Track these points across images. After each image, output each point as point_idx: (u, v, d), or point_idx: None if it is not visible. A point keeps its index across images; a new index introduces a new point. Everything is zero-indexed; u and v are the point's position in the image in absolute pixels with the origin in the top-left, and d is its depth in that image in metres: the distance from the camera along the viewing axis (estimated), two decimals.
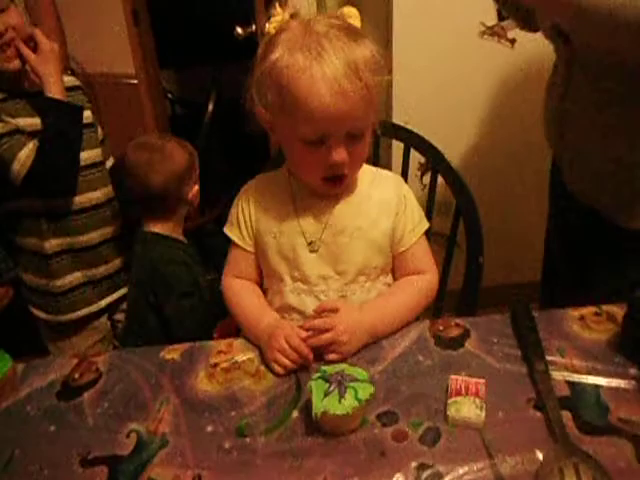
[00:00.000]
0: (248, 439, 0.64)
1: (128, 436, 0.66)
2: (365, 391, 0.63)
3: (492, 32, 1.77)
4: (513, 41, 1.76)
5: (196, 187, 1.29)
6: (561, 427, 0.60)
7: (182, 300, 1.16)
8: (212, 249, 1.34)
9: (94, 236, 1.28)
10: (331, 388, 0.63)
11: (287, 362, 0.74)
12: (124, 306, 1.40)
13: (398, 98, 1.75)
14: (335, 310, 0.78)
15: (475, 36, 1.76)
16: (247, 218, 0.89)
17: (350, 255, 0.84)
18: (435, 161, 1.13)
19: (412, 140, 1.15)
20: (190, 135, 2.19)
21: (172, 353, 0.80)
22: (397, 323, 0.81)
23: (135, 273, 1.25)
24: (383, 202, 0.86)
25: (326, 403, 0.62)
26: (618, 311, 0.81)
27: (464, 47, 1.76)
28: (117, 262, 1.35)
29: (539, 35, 1.74)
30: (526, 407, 0.66)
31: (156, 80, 2.77)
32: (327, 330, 0.75)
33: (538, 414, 0.64)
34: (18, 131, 1.13)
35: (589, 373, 0.70)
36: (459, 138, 1.70)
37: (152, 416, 0.69)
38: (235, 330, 0.93)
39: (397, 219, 0.86)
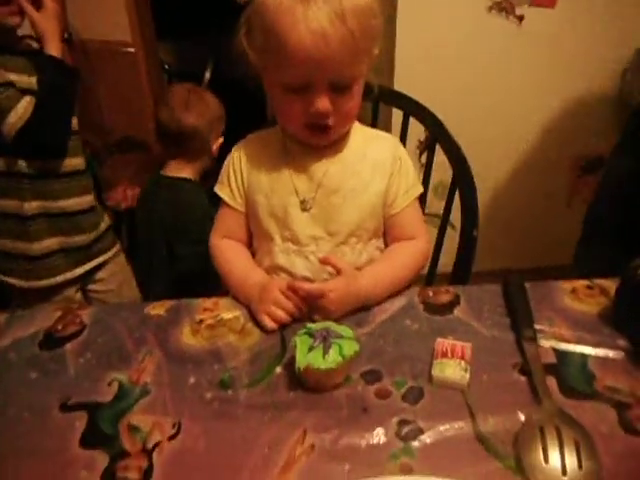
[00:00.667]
0: (230, 391, 0.64)
1: (109, 384, 0.66)
2: (350, 348, 0.63)
3: (500, 7, 1.75)
4: (521, 18, 1.74)
5: (220, 140, 1.35)
6: (545, 389, 0.60)
7: (198, 246, 1.18)
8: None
9: (72, 203, 1.28)
10: (315, 343, 0.63)
11: (281, 313, 0.73)
12: (99, 275, 1.42)
13: (401, 66, 1.73)
14: (338, 271, 0.76)
15: (482, 10, 1.74)
16: (238, 177, 0.87)
17: (342, 216, 0.83)
18: (434, 130, 1.11)
19: (411, 108, 1.13)
20: None
21: (157, 309, 0.80)
22: (392, 290, 0.80)
23: (156, 214, 1.29)
24: (378, 162, 0.85)
25: (310, 358, 0.61)
26: (611, 285, 0.80)
27: (470, 22, 1.74)
28: (93, 233, 1.36)
29: (547, 12, 1.73)
30: (511, 371, 0.65)
31: (153, 50, 2.73)
32: (318, 297, 0.73)
33: (523, 378, 0.64)
34: (12, 85, 1.11)
35: (577, 342, 0.69)
36: (460, 112, 1.67)
37: (134, 366, 0.68)
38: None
39: (391, 180, 0.85)
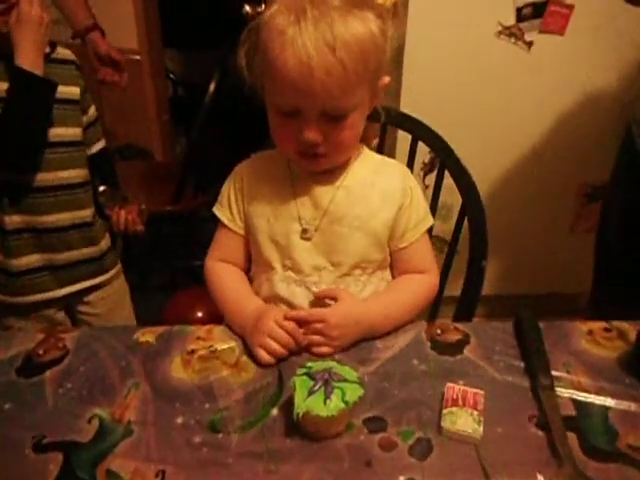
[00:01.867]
0: (221, 435, 0.58)
1: (89, 421, 0.60)
2: (354, 393, 0.57)
3: (509, 33, 1.73)
4: (530, 44, 1.73)
5: None
6: (567, 450, 0.55)
7: None
8: (205, 234, 1.29)
9: (60, 218, 1.18)
10: (316, 387, 0.57)
11: (276, 347, 0.68)
12: (89, 298, 1.31)
13: (407, 89, 1.70)
14: (335, 299, 0.73)
15: (491, 35, 1.72)
16: (239, 198, 0.83)
17: (347, 246, 0.78)
18: (443, 155, 1.07)
19: (420, 132, 1.09)
20: (191, 118, 2.13)
21: (147, 335, 0.74)
22: (398, 322, 0.76)
23: None
24: (387, 192, 0.80)
25: (309, 403, 0.56)
26: (629, 328, 0.76)
27: (479, 46, 1.73)
28: (85, 251, 1.24)
29: (557, 40, 1.71)
30: (527, 425, 0.60)
31: (159, 58, 2.71)
32: (318, 321, 0.69)
33: (540, 433, 0.59)
34: None
35: (597, 393, 0.65)
36: (468, 136, 1.64)
37: (118, 401, 0.63)
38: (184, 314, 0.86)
39: (400, 212, 0.80)
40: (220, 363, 0.69)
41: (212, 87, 2.37)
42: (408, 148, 1.13)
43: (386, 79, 0.74)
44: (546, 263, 2.05)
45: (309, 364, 0.61)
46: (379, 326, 0.74)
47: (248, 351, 0.71)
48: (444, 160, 1.07)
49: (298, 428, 0.58)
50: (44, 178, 1.13)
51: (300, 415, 0.55)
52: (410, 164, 1.14)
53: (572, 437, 0.58)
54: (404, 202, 0.80)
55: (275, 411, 0.62)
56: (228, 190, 0.84)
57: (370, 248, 0.79)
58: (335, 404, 0.56)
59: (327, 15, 0.63)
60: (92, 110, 1.26)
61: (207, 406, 0.62)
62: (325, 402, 0.56)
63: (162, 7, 2.59)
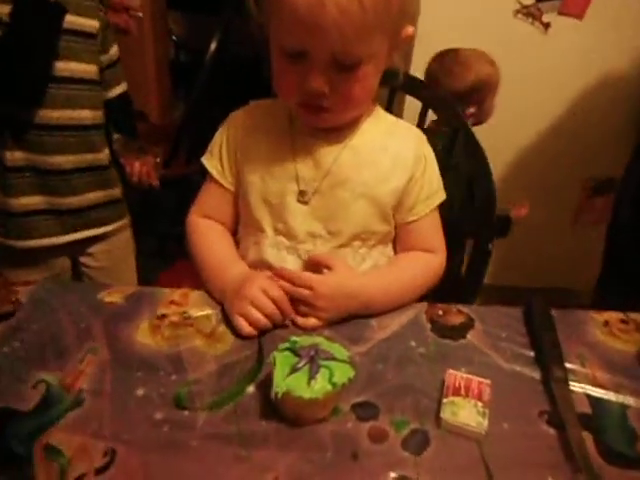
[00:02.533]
0: (187, 412, 0.50)
1: (35, 387, 0.52)
2: (343, 374, 0.50)
3: (527, 12, 1.66)
4: (547, 25, 1.66)
5: None
6: (584, 453, 0.47)
7: None
8: None
9: (65, 160, 1.09)
10: (300, 364, 0.49)
11: (259, 316, 0.60)
12: (92, 249, 1.22)
13: (418, 65, 1.62)
14: (328, 267, 0.65)
15: (508, 13, 1.64)
16: (232, 150, 0.74)
17: (348, 213, 0.70)
18: (455, 126, 0.98)
19: (433, 100, 1.00)
20: (191, 84, 2.02)
21: (114, 295, 0.66)
22: (398, 301, 0.68)
23: None
24: (399, 157, 0.71)
25: (291, 382, 0.48)
26: None
27: (495, 25, 1.65)
28: (91, 197, 1.15)
29: (575, 23, 1.64)
30: (537, 421, 0.53)
31: (162, 17, 2.59)
32: (305, 287, 0.62)
33: (552, 431, 0.51)
34: None
35: (615, 389, 0.57)
36: None
37: (71, 367, 0.55)
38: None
39: (412, 183, 0.72)
40: (194, 331, 0.61)
41: (212, 48, 2.26)
42: (416, 118, 1.04)
43: (409, 29, 0.65)
44: (548, 255, 1.99)
45: (294, 338, 0.53)
46: (376, 304, 0.66)
47: (227, 321, 0.63)
48: (456, 132, 0.99)
49: (276, 410, 0.50)
50: (49, 115, 1.03)
51: (279, 395, 0.48)
52: None
53: (588, 437, 0.51)
54: (417, 170, 0.72)
55: (251, 389, 0.54)
56: (220, 139, 0.75)
57: (373, 218, 0.71)
58: (321, 385, 0.48)
59: None
60: (114, 50, 1.17)
61: (174, 377, 0.54)
62: (309, 382, 0.48)
63: None
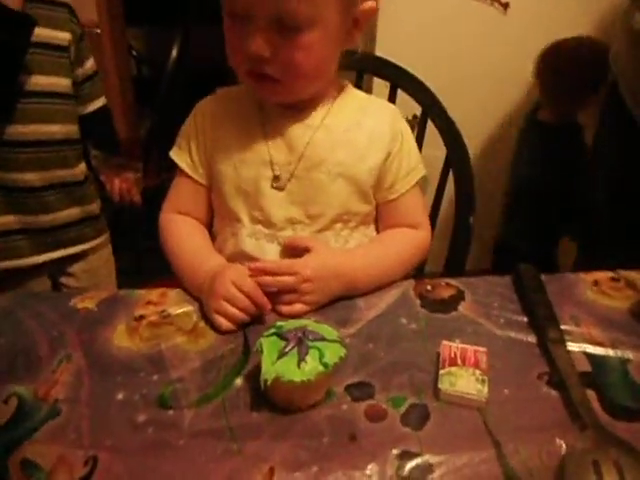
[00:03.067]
0: (171, 412, 0.47)
1: (6, 401, 0.49)
2: (334, 354, 0.47)
3: None
4: (506, 5, 1.66)
5: None
6: (589, 409, 0.46)
7: None
8: None
9: (37, 177, 1.04)
10: (288, 347, 0.47)
11: (234, 311, 0.57)
12: (72, 269, 1.17)
13: (384, 32, 1.61)
14: (306, 249, 0.62)
15: None
16: (201, 141, 0.71)
17: (326, 195, 0.68)
18: (427, 105, 0.97)
19: (401, 79, 0.98)
20: (155, 98, 1.99)
21: (86, 301, 0.63)
22: (384, 279, 0.66)
23: None
24: (374, 133, 0.69)
25: (280, 367, 0.45)
26: (638, 277, 0.68)
27: (454, 8, 1.65)
28: (66, 214, 1.10)
29: (532, 1, 1.65)
30: (538, 383, 0.51)
31: (121, 33, 2.55)
32: (289, 274, 0.59)
33: (553, 392, 0.50)
34: None
35: (612, 345, 0.56)
36: (450, 84, 1.56)
37: (44, 377, 0.51)
38: None
39: (389, 160, 0.70)
40: (174, 329, 0.58)
41: (172, 58, 2.23)
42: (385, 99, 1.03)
43: (370, 3, 0.62)
44: None
45: (279, 323, 0.50)
46: (361, 283, 0.64)
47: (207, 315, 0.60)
48: (428, 111, 0.97)
49: (267, 399, 0.48)
50: (19, 131, 0.98)
51: (269, 382, 0.45)
52: None
53: (591, 395, 0.49)
54: (394, 147, 0.70)
55: (239, 381, 0.51)
56: (188, 131, 0.73)
57: (353, 198, 0.69)
58: (311, 367, 0.45)
59: None
60: (90, 63, 1.13)
61: (155, 378, 0.51)
62: (299, 365, 0.45)
63: None
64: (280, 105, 0.68)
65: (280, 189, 0.68)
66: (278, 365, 0.46)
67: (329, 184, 0.67)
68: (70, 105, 1.08)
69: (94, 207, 1.17)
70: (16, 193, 1.03)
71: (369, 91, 1.43)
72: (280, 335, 0.49)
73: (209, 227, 0.75)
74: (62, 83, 1.04)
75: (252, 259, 0.69)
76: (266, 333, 0.50)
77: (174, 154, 0.73)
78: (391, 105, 0.76)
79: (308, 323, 0.51)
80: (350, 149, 0.68)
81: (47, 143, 1.03)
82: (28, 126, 1.00)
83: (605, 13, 1.68)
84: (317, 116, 0.69)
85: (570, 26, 1.69)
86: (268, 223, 0.68)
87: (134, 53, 3.25)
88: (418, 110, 1.00)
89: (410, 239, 0.71)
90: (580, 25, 1.68)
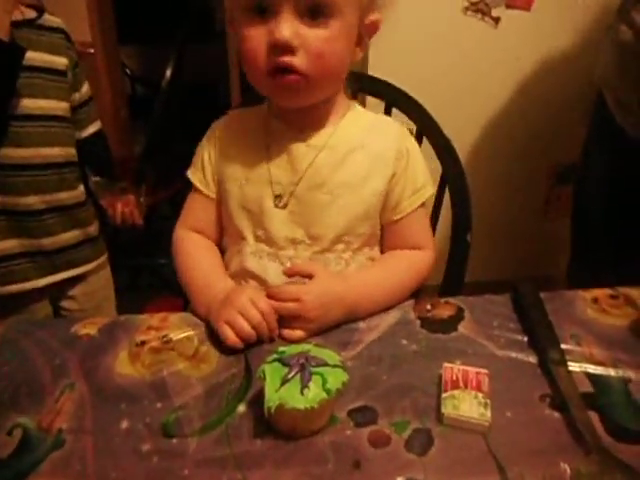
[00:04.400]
0: (175, 440, 0.48)
1: (10, 433, 0.49)
2: (336, 379, 0.47)
3: (476, 8, 1.68)
4: (497, 20, 1.66)
5: None
6: (592, 432, 0.46)
7: None
8: (164, 232, 1.17)
9: (38, 200, 1.04)
10: (291, 374, 0.47)
11: (245, 326, 0.57)
12: (72, 292, 1.16)
13: (373, 67, 1.62)
14: (309, 276, 0.62)
15: (458, 11, 1.66)
16: (213, 159, 0.73)
17: (328, 217, 0.68)
18: (422, 123, 0.98)
19: (395, 98, 0.99)
20: (150, 116, 2.00)
21: (88, 328, 0.63)
22: (385, 303, 0.66)
23: None
24: (379, 155, 0.69)
25: (283, 394, 0.46)
26: (637, 294, 0.68)
27: (446, 23, 1.66)
28: (67, 236, 1.10)
29: (523, 15, 1.66)
30: (540, 406, 0.51)
31: (114, 53, 2.58)
32: (292, 301, 0.59)
33: (556, 414, 0.50)
34: None
35: (613, 365, 0.56)
36: (444, 101, 1.56)
37: (48, 407, 0.51)
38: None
39: (395, 179, 0.70)
40: (175, 355, 0.58)
41: (167, 77, 2.25)
42: None
43: (377, 15, 0.64)
44: (520, 248, 1.99)
45: (281, 348, 0.51)
46: (362, 308, 0.64)
47: (210, 339, 0.60)
48: (423, 129, 0.98)
49: (271, 426, 0.48)
50: (19, 154, 0.99)
51: (272, 409, 0.45)
52: None
53: (593, 417, 0.49)
54: (398, 167, 0.70)
55: (242, 408, 0.51)
56: (202, 150, 0.75)
57: (355, 220, 0.69)
58: (315, 393, 0.45)
59: None
60: (85, 88, 1.15)
61: (159, 405, 0.51)
62: (302, 392, 0.46)
63: (118, 4, 2.47)
64: (286, 124, 0.69)
65: (282, 208, 0.68)
66: (281, 392, 0.46)
67: (330, 205, 0.68)
68: (69, 128, 1.09)
69: (93, 229, 1.18)
70: (17, 217, 1.03)
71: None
72: (282, 361, 0.49)
73: (220, 242, 0.77)
74: (61, 106, 1.06)
75: (255, 277, 0.70)
76: (268, 359, 0.50)
77: (190, 173, 0.76)
78: (397, 123, 0.75)
79: (310, 348, 0.51)
80: (353, 170, 0.68)
81: (48, 166, 1.04)
82: (28, 149, 1.00)
83: (591, 27, 1.70)
84: (322, 136, 0.69)
85: (558, 40, 1.72)
86: (270, 242, 0.69)
87: (128, 72, 3.27)
88: (410, 125, 1.01)
89: (412, 263, 0.71)
90: (567, 39, 1.71)
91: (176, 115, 2.34)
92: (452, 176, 0.96)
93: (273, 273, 0.68)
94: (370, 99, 1.05)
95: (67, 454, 0.46)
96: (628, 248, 1.13)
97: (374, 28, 0.65)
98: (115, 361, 0.57)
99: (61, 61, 1.06)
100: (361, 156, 0.69)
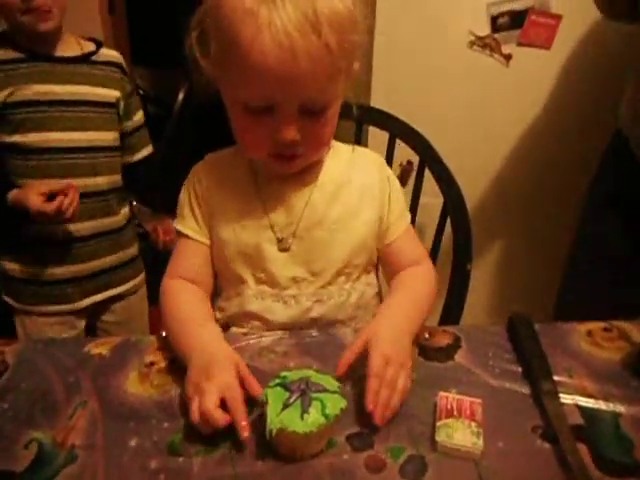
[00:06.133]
0: (181, 459, 0.50)
1: (26, 447, 0.51)
2: (335, 405, 0.50)
3: (483, 44, 1.61)
4: (508, 57, 1.53)
5: None
6: (581, 465, 0.48)
7: None
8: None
9: (85, 227, 1.11)
10: (292, 399, 0.50)
11: (219, 417, 0.51)
12: (112, 307, 1.23)
13: (375, 102, 1.59)
14: (367, 347, 0.58)
15: (463, 45, 1.58)
16: (202, 205, 0.73)
17: (329, 252, 0.71)
18: (424, 154, 1.01)
19: (398, 129, 1.03)
20: (161, 136, 2.05)
21: (100, 347, 0.66)
22: (423, 320, 0.67)
23: None
24: (365, 187, 0.73)
25: (284, 418, 0.48)
26: (630, 328, 0.70)
27: (449, 57, 1.56)
28: (110, 259, 1.17)
29: (540, 54, 1.58)
30: (532, 437, 0.53)
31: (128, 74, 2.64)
32: (380, 380, 0.54)
33: (547, 446, 0.52)
34: None
35: (605, 398, 0.58)
36: (445, 133, 1.53)
37: (62, 423, 0.54)
38: None
39: (383, 207, 0.74)
40: (183, 375, 0.61)
41: (180, 99, 2.31)
42: (384, 149, 1.06)
43: (357, 64, 0.65)
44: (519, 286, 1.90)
45: (284, 373, 0.53)
46: (416, 326, 0.65)
47: None
48: (425, 160, 1.01)
49: (271, 448, 0.50)
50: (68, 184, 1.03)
51: (274, 432, 0.48)
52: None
53: (582, 449, 0.51)
54: (384, 195, 0.74)
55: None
56: (187, 199, 0.74)
57: (354, 251, 0.72)
58: (314, 418, 0.48)
59: None
60: (138, 115, 1.22)
61: (166, 425, 0.54)
62: (302, 416, 0.48)
63: (131, 25, 2.54)
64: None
65: (284, 250, 0.70)
66: (283, 416, 0.48)
67: (330, 241, 0.71)
68: (115, 157, 1.15)
69: (134, 250, 1.24)
70: (66, 244, 1.10)
71: (366, 141, 1.41)
72: (284, 386, 0.51)
73: (213, 287, 0.75)
74: (108, 137, 1.12)
75: (258, 318, 0.71)
76: (271, 383, 0.52)
77: (178, 223, 0.74)
78: (374, 154, 0.79)
79: (311, 374, 0.53)
80: (345, 205, 0.71)
81: (94, 194, 1.10)
82: (75, 179, 1.05)
83: (611, 65, 1.50)
84: (311, 175, 0.71)
85: (574, 77, 1.55)
86: (273, 283, 0.71)
87: (141, 92, 3.32)
88: (412, 156, 1.03)
89: (422, 278, 0.73)
90: (584, 78, 1.56)
91: (187, 136, 2.39)
92: (453, 206, 0.99)
93: (279, 313, 0.70)
94: (372, 129, 1.08)
95: (80, 469, 0.49)
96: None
97: (355, 75, 0.65)
98: (126, 381, 0.60)
99: (113, 94, 1.12)
100: (350, 191, 0.72)
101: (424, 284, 0.72)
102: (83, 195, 1.06)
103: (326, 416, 0.48)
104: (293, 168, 0.68)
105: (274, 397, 0.50)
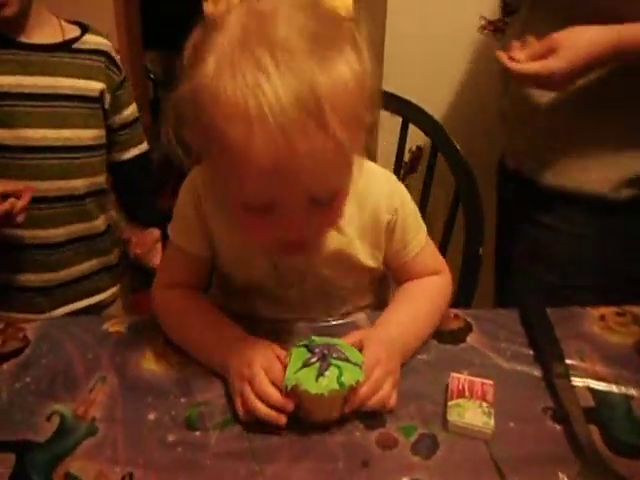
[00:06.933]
0: (198, 433, 0.51)
1: (49, 419, 0.53)
2: (352, 376, 0.50)
3: (495, 28, 1.61)
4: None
5: None
6: (591, 444, 0.49)
7: None
8: None
9: (57, 233, 0.99)
10: (312, 360, 0.50)
11: (261, 407, 0.51)
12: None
13: (387, 83, 1.58)
14: (360, 347, 0.57)
15: (473, 30, 1.58)
16: (200, 218, 0.66)
17: (337, 292, 0.71)
18: (436, 138, 1.01)
19: (411, 113, 1.02)
20: None
21: (118, 325, 0.67)
22: (427, 336, 0.65)
23: None
24: (374, 223, 0.67)
25: (301, 376, 0.49)
26: None
27: (460, 42, 1.59)
28: (84, 267, 1.05)
29: None
30: (543, 418, 0.54)
31: (139, 57, 2.63)
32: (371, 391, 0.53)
33: (558, 427, 0.52)
34: None
35: (616, 381, 0.59)
36: (455, 118, 1.51)
37: (82, 397, 0.56)
38: None
39: (387, 242, 0.69)
40: None
41: None
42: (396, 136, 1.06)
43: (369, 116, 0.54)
44: None
45: (314, 337, 0.54)
46: (415, 344, 0.63)
47: None
48: (437, 144, 1.01)
49: (287, 425, 0.51)
50: (39, 187, 0.93)
51: (288, 388, 0.49)
52: (400, 155, 1.08)
53: (594, 430, 0.52)
54: (390, 234, 0.69)
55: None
56: (182, 208, 0.67)
57: (365, 289, 0.73)
58: (327, 383, 0.49)
59: (296, 65, 0.43)
60: (129, 110, 1.08)
61: (183, 400, 0.55)
62: (317, 378, 0.49)
63: (143, 8, 2.52)
64: None
65: (293, 293, 0.69)
66: (299, 374, 0.49)
67: (339, 281, 0.70)
68: (96, 157, 1.03)
69: (112, 257, 1.12)
70: (37, 250, 0.99)
71: (376, 124, 1.40)
72: (308, 347, 0.52)
73: (206, 286, 0.74)
74: (87, 135, 0.99)
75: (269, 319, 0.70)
76: (298, 344, 0.53)
77: (174, 232, 0.68)
78: (382, 180, 0.69)
79: (340, 343, 0.54)
80: (343, 238, 0.66)
81: (68, 198, 0.99)
82: (47, 182, 0.96)
83: None
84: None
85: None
86: (282, 311, 0.70)
87: (151, 76, 3.29)
88: (421, 141, 1.03)
89: (433, 288, 0.70)
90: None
91: None
92: (465, 190, 0.98)
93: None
94: (384, 114, 1.07)
95: (100, 441, 0.50)
96: None
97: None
98: (143, 358, 0.61)
99: (95, 86, 0.99)
100: (350, 230, 0.66)
101: (435, 296, 0.69)
102: (56, 199, 0.96)
103: (340, 384, 0.49)
104: (304, 253, 0.61)
105: (296, 355, 0.51)
